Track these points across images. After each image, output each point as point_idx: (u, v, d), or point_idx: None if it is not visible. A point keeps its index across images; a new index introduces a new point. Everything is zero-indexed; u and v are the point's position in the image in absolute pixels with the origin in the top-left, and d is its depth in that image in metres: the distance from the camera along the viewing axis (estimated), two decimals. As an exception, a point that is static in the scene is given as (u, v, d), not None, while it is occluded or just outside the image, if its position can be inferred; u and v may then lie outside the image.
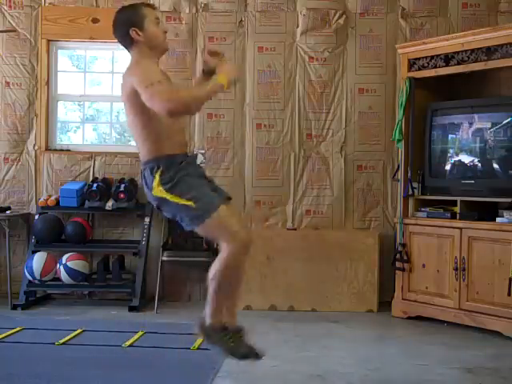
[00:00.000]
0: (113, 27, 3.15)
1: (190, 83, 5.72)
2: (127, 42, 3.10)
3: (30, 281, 5.44)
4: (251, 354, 3.16)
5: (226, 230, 3.05)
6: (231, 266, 3.04)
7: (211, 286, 3.09)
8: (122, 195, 5.47)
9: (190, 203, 3.01)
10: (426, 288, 5.03)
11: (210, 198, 3.09)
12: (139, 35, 3.06)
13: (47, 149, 5.87)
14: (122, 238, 5.82)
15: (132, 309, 5.33)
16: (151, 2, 5.68)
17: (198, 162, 3.28)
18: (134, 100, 2.98)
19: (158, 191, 3.05)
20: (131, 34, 3.06)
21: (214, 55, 3.26)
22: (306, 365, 3.90)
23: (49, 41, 5.86)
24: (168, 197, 3.03)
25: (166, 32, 3.17)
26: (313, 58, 5.76)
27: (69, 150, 5.91)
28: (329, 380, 3.62)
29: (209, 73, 3.26)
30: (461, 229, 4.80)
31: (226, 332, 3.15)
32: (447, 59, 4.98)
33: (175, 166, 3.06)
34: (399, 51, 5.36)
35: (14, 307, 5.33)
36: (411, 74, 5.17)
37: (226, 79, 2.99)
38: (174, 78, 5.65)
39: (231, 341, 3.13)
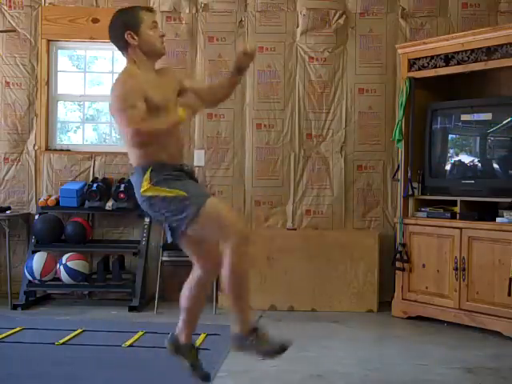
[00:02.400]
0: (108, 29, 3.10)
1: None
2: (122, 45, 3.06)
3: (30, 281, 5.44)
4: (284, 346, 3.06)
5: (223, 221, 2.92)
6: (238, 268, 2.92)
7: (231, 294, 2.97)
8: (122, 195, 5.47)
9: (182, 193, 2.91)
10: (426, 288, 5.03)
11: (202, 190, 3.09)
12: (134, 39, 3.02)
13: (47, 149, 5.87)
14: (122, 238, 5.82)
15: (132, 309, 5.33)
16: (150, 5, 5.72)
17: (194, 177, 3.18)
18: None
19: (147, 188, 2.96)
20: (126, 37, 3.02)
21: (249, 58, 3.21)
22: (306, 365, 3.90)
23: (49, 41, 5.86)
24: (157, 192, 2.94)
25: (163, 36, 3.13)
26: (313, 57, 5.76)
27: (69, 150, 5.91)
28: (329, 380, 3.62)
29: (238, 72, 3.25)
30: (461, 229, 4.80)
31: (255, 334, 3.04)
32: (447, 59, 4.98)
33: (167, 170, 3.01)
34: (399, 51, 5.36)
35: (14, 307, 5.33)
36: (411, 74, 5.17)
37: (184, 113, 2.97)
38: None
39: (262, 341, 3.03)
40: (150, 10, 3.15)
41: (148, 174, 2.97)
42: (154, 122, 2.95)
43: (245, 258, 2.94)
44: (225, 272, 2.94)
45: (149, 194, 2.97)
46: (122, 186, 5.50)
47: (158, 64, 3.23)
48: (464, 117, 5.10)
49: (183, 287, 3.18)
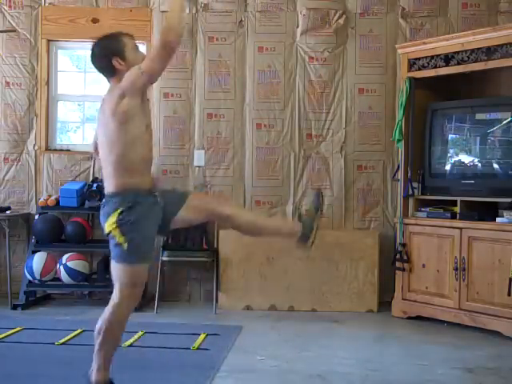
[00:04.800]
0: (93, 57, 3.16)
1: (189, 83, 5.75)
2: (109, 71, 3.11)
3: (30, 281, 5.44)
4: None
5: (128, 287, 3.09)
6: (113, 320, 3.10)
7: (99, 340, 3.09)
8: (121, 195, 5.46)
9: (124, 243, 3.02)
10: (426, 288, 5.03)
11: (146, 251, 3.13)
12: (121, 64, 3.08)
13: (47, 149, 5.87)
14: (122, 238, 5.80)
15: (132, 309, 5.31)
16: (150, 6, 5.73)
17: (159, 198, 3.23)
18: (118, 117, 2.99)
19: (111, 228, 3.04)
20: (114, 63, 3.08)
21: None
22: (306, 365, 3.90)
23: (49, 41, 5.86)
24: (115, 233, 3.04)
25: (144, 57, 3.16)
26: (313, 57, 5.76)
27: (69, 150, 5.91)
28: (329, 380, 3.62)
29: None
30: (461, 229, 4.80)
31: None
32: (447, 59, 4.98)
33: (137, 205, 3.05)
34: (399, 51, 5.36)
35: (14, 307, 5.33)
36: (411, 74, 5.17)
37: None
38: (173, 78, 5.73)
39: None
40: (130, 35, 3.21)
41: (118, 212, 3.02)
42: (171, 13, 3.01)
43: (123, 320, 3.18)
44: (105, 314, 3.11)
45: (108, 230, 3.07)
46: (122, 186, 5.49)
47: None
48: (464, 117, 5.10)
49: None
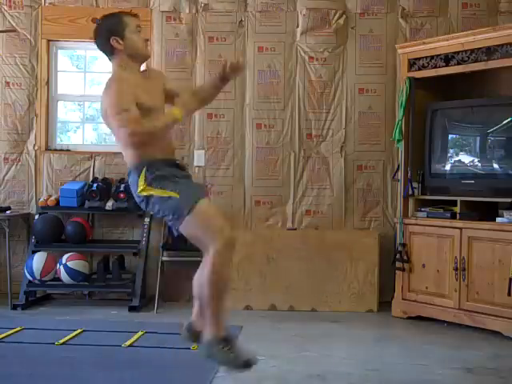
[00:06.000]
0: (94, 36, 3.20)
1: (190, 83, 5.75)
2: (108, 51, 3.15)
3: (30, 281, 5.44)
4: (249, 362, 3.04)
5: (211, 224, 2.99)
6: (219, 269, 2.96)
7: (206, 294, 2.98)
8: (122, 195, 5.47)
9: (174, 194, 3.00)
10: (426, 288, 5.03)
11: (195, 190, 3.12)
12: (120, 44, 3.11)
13: (47, 149, 5.87)
14: (122, 238, 5.82)
15: (132, 309, 5.32)
16: (150, 6, 5.74)
17: (185, 170, 3.26)
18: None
19: (143, 188, 3.04)
20: (112, 42, 3.11)
21: (235, 71, 3.32)
22: (306, 365, 3.90)
23: (49, 41, 5.87)
24: (152, 192, 3.03)
25: (146, 40, 3.20)
26: (313, 57, 5.76)
27: (69, 150, 5.91)
28: (329, 380, 3.62)
29: (222, 81, 3.36)
30: (461, 229, 4.80)
31: (226, 343, 2.99)
32: (447, 59, 4.98)
33: (159, 166, 3.09)
34: (399, 51, 5.36)
35: (14, 307, 5.33)
36: (411, 74, 5.17)
37: (180, 113, 3.08)
38: (173, 77, 5.74)
39: (230, 351, 2.98)
40: (133, 14, 3.23)
41: (143, 174, 3.05)
42: (150, 122, 3.02)
43: (227, 263, 3.01)
44: (206, 270, 2.98)
45: (145, 193, 3.06)
46: (122, 185, 5.50)
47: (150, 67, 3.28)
48: (464, 117, 5.10)
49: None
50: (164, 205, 3.03)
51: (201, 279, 3.05)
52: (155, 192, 3.03)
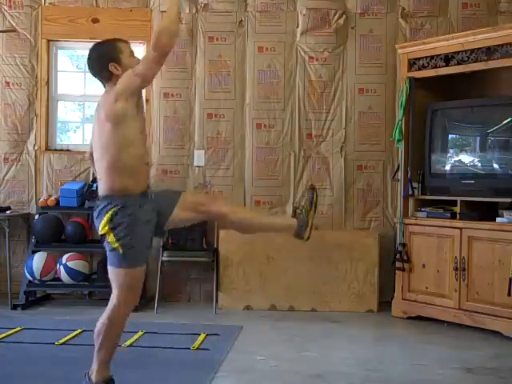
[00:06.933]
0: (89, 62, 3.21)
1: (189, 83, 5.75)
2: (105, 77, 3.16)
3: (30, 281, 5.44)
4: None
5: (124, 289, 3.15)
6: (113, 321, 3.13)
7: (99, 341, 3.13)
8: (121, 195, 5.46)
9: (120, 250, 3.10)
10: (426, 288, 5.03)
11: (143, 250, 3.17)
12: (118, 70, 3.12)
13: (47, 149, 5.87)
14: (122, 238, 5.80)
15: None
16: (150, 5, 5.74)
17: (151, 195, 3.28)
18: (112, 120, 3.02)
19: (105, 231, 3.10)
20: (110, 68, 3.12)
21: None
22: (306, 365, 3.90)
23: (49, 41, 5.86)
24: (109, 238, 3.11)
25: (139, 62, 3.18)
26: (313, 57, 5.76)
27: (69, 150, 5.91)
28: (329, 380, 3.62)
29: None
30: (461, 229, 4.80)
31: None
32: (447, 59, 4.98)
33: (130, 208, 3.07)
34: (399, 51, 5.36)
35: (14, 307, 5.33)
36: (411, 74, 5.17)
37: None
38: (173, 77, 5.74)
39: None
40: (125, 41, 3.26)
41: (110, 214, 3.06)
42: (165, 18, 3.09)
43: (120, 321, 3.18)
44: (103, 316, 3.16)
45: (103, 232, 3.12)
46: (122, 186, 5.49)
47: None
48: (464, 117, 5.10)
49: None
50: (110, 253, 3.18)
51: (99, 322, 3.18)
52: (110, 238, 3.11)
